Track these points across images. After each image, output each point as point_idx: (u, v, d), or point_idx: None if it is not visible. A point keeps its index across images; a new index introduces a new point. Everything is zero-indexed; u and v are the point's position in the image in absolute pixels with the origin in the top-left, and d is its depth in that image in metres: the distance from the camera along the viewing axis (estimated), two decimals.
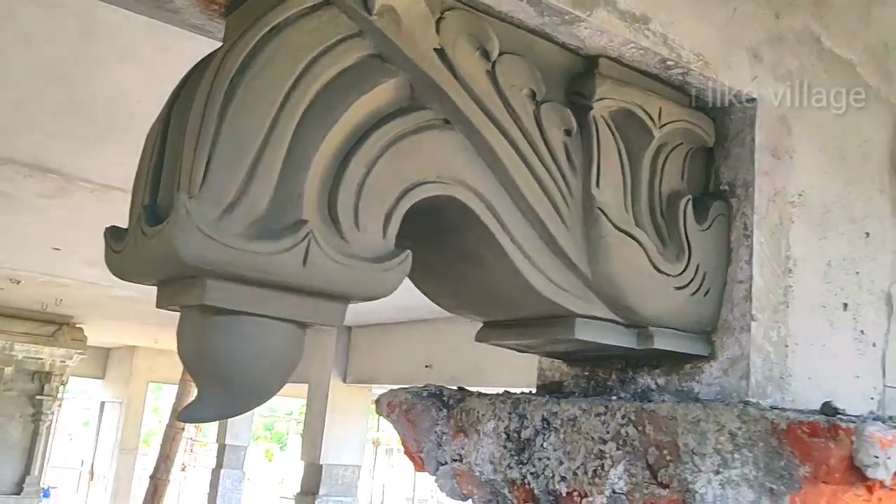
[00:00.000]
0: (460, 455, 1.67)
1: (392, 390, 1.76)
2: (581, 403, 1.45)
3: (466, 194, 1.21)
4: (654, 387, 1.49)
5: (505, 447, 1.58)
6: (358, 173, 1.11)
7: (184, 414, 1.08)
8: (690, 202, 1.39)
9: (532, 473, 1.51)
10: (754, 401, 1.34)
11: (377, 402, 1.79)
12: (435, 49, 1.18)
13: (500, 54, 1.24)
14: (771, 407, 1.25)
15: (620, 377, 1.55)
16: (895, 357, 1.59)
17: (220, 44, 1.39)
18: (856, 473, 1.09)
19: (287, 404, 25.60)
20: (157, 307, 1.17)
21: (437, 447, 1.71)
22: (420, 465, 1.74)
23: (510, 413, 1.58)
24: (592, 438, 1.41)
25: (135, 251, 1.08)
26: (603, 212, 1.30)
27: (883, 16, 1.71)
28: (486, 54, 1.23)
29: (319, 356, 12.08)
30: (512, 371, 9.41)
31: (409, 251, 1.13)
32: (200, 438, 22.73)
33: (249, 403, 1.10)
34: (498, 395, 1.63)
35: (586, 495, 1.41)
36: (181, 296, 1.07)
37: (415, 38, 1.16)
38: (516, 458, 1.55)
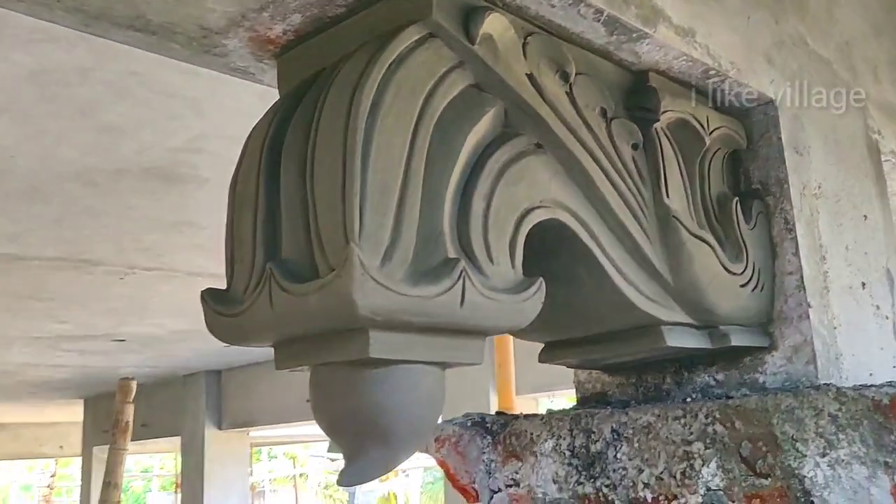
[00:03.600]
0: (515, 480, 1.66)
1: (439, 424, 1.72)
2: (653, 410, 1.47)
3: (566, 216, 1.22)
4: (713, 383, 1.55)
5: (570, 464, 1.58)
6: (481, 205, 1.09)
7: (344, 478, 1.02)
8: (739, 203, 1.46)
9: (608, 486, 1.52)
10: (825, 383, 1.42)
11: None
12: (526, 74, 1.18)
13: (576, 75, 1.26)
14: (861, 385, 1.33)
15: (675, 379, 1.59)
16: None
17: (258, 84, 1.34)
18: None
19: (141, 462, 24.25)
20: (278, 368, 1.09)
21: (488, 475, 1.69)
22: (473, 497, 1.71)
23: (571, 430, 1.58)
24: (674, 442, 1.44)
25: (267, 310, 1.01)
26: (678, 220, 1.34)
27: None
28: (565, 76, 1.24)
29: (191, 405, 11.56)
30: None
31: (540, 279, 1.12)
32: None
33: (407, 455, 1.05)
34: (550, 414, 1.64)
35: (675, 497, 1.43)
36: (325, 352, 1.01)
37: (510, 64, 1.16)
38: (585, 473, 1.56)
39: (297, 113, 1.11)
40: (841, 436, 1.27)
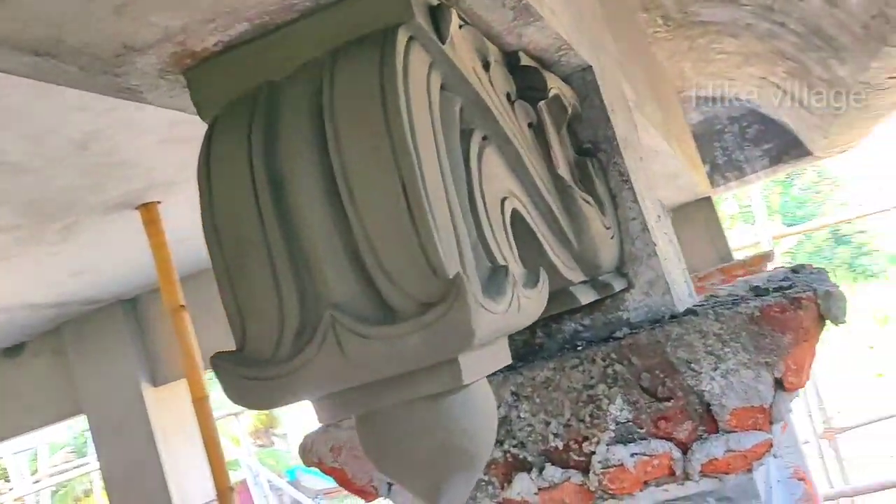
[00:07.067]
0: None
1: (320, 434, 1.65)
2: (548, 365, 1.59)
3: (517, 203, 1.25)
4: (581, 329, 1.70)
5: None
6: (482, 204, 1.08)
7: None
8: (596, 162, 1.60)
9: (516, 446, 1.61)
10: (689, 308, 1.65)
11: (305, 450, 1.65)
12: (472, 68, 1.17)
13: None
14: (729, 303, 1.57)
15: (545, 332, 1.71)
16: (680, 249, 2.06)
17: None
18: (821, 323, 1.48)
19: None
20: (328, 422, 0.99)
21: None
22: (373, 495, 1.69)
23: None
24: (576, 389, 1.57)
25: (334, 361, 0.91)
26: (573, 188, 1.44)
27: None
28: (487, 66, 1.25)
29: None
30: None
31: (541, 268, 1.15)
32: None
33: (480, 473, 1.03)
34: None
35: (586, 439, 1.58)
36: (404, 391, 0.94)
37: (464, 61, 1.14)
38: None
39: (286, 134, 0.98)
40: (727, 349, 1.51)
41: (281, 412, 18.12)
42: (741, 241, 10.89)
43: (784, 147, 6.55)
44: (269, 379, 0.93)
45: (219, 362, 0.95)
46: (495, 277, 0.98)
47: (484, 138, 1.20)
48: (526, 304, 1.04)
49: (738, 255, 6.87)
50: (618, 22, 2.96)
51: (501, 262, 1.04)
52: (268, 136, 0.99)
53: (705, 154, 6.57)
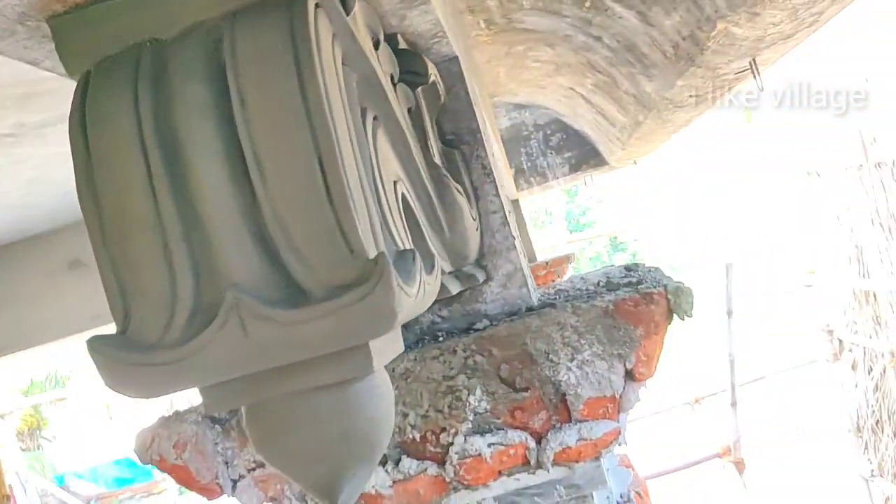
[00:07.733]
0: (259, 461, 1.60)
1: (160, 429, 1.52)
2: (408, 356, 1.57)
3: (403, 187, 1.21)
4: (439, 320, 1.69)
5: None
6: (381, 185, 1.04)
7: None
8: (459, 154, 1.60)
9: None
10: (548, 301, 1.68)
11: (144, 447, 1.52)
12: (369, 46, 1.13)
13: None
14: (585, 297, 1.62)
15: (403, 324, 1.68)
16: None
17: None
18: (670, 317, 1.56)
19: None
20: (217, 410, 0.90)
21: (227, 466, 1.59)
22: (218, 492, 1.59)
23: None
24: (435, 380, 1.56)
25: (237, 345, 0.83)
26: (448, 178, 1.43)
27: None
28: (377, 44, 1.21)
29: None
30: None
31: (435, 254, 1.12)
32: None
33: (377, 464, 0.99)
34: None
35: (443, 430, 1.57)
36: (306, 378, 0.88)
37: (363, 35, 1.09)
38: None
39: (181, 97, 0.88)
40: (583, 341, 1.55)
41: (49, 414, 16.78)
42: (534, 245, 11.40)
43: (583, 156, 6.93)
44: (157, 364, 0.84)
45: (97, 346, 0.84)
46: (403, 261, 0.95)
47: (374, 119, 1.16)
48: (428, 290, 1.01)
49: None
50: (454, 20, 2.99)
51: (402, 246, 1.00)
52: (158, 98, 0.89)
53: (512, 159, 6.82)
